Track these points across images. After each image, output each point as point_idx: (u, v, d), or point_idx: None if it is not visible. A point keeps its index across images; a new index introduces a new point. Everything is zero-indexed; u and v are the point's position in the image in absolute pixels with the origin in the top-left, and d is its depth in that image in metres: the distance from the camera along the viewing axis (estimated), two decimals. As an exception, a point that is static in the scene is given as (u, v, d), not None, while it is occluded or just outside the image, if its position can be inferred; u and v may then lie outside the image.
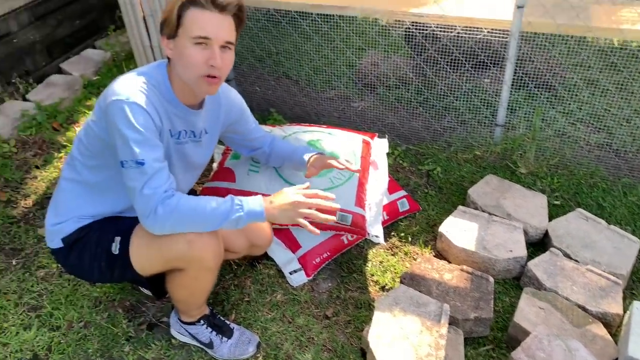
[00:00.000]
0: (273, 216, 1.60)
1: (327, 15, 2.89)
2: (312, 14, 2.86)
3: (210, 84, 1.58)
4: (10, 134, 2.97)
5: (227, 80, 3.23)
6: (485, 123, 2.98)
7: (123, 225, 1.69)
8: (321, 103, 3.26)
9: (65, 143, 2.96)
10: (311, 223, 1.63)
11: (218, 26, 1.52)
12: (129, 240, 1.65)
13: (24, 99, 3.28)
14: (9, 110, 3.12)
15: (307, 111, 3.24)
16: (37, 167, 2.80)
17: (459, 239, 2.22)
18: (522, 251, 2.16)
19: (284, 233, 2.24)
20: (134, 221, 1.64)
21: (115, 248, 1.66)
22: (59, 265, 1.81)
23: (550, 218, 2.37)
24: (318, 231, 1.64)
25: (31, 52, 3.41)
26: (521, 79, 2.91)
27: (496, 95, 2.94)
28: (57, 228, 1.71)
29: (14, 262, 2.30)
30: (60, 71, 3.59)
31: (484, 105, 3.03)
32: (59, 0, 3.57)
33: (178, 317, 1.92)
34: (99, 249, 1.67)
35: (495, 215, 2.35)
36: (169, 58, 1.62)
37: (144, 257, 1.65)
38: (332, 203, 1.64)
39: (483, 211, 2.39)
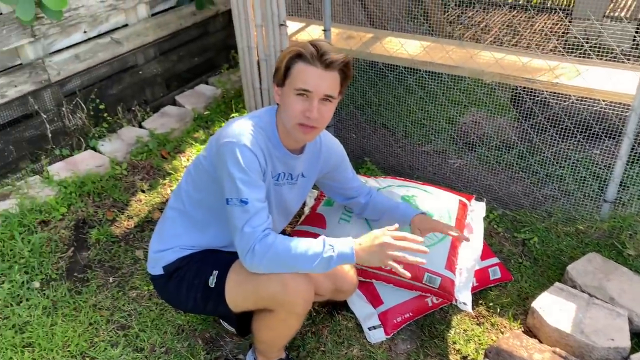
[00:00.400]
0: (362, 259, 1.59)
1: (435, 72, 2.90)
2: (420, 70, 2.87)
3: (305, 133, 1.66)
4: (123, 157, 3.20)
5: (327, 126, 3.32)
6: (591, 197, 2.81)
7: (222, 259, 1.76)
8: (417, 156, 3.23)
9: (170, 171, 3.14)
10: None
11: (320, 81, 1.60)
12: (225, 275, 1.71)
13: (140, 126, 3.55)
14: (125, 135, 3.37)
15: (401, 163, 3.23)
16: (142, 191, 2.98)
17: (554, 318, 2.08)
18: (625, 341, 1.98)
19: (366, 287, 2.21)
20: (233, 256, 1.69)
21: (212, 281, 1.72)
22: (156, 291, 1.90)
23: (660, 309, 2.16)
24: (408, 274, 1.58)
25: (152, 84, 3.70)
26: (638, 155, 2.72)
27: (607, 169, 2.77)
28: (159, 255, 1.80)
29: (110, 280, 2.43)
30: (174, 103, 3.85)
31: (592, 178, 2.87)
32: (183, 38, 3.86)
33: (254, 358, 1.93)
34: (197, 281, 1.74)
35: (597, 298, 2.19)
36: (278, 104, 1.71)
37: (238, 293, 1.70)
38: (420, 246, 1.58)
39: (582, 291, 2.23)
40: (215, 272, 1.72)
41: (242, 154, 1.58)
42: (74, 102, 3.17)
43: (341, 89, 1.68)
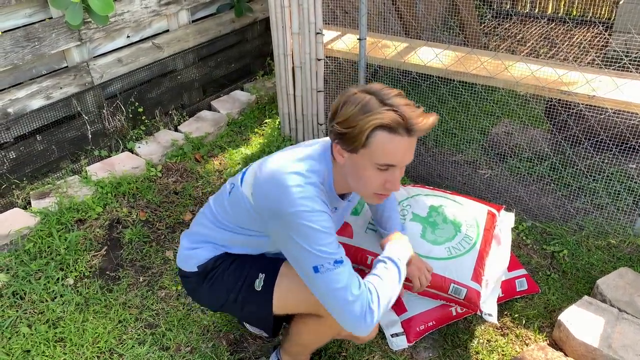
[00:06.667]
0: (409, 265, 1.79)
1: (468, 82, 2.89)
2: (453, 80, 2.87)
3: (381, 200, 1.57)
4: (159, 159, 3.30)
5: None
6: (625, 211, 2.75)
7: (266, 263, 1.72)
8: (447, 166, 3.23)
9: (203, 174, 3.22)
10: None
11: (405, 152, 1.45)
12: (273, 278, 1.67)
13: (176, 130, 3.65)
14: (161, 138, 3.47)
15: (430, 172, 3.22)
16: (175, 193, 3.06)
17: (581, 332, 2.04)
18: (654, 360, 1.93)
19: (391, 293, 2.22)
20: (275, 260, 1.69)
21: (259, 284, 1.67)
22: (184, 287, 1.83)
23: (694, 329, 2.10)
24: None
25: (189, 89, 3.80)
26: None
27: (642, 183, 2.71)
28: (192, 253, 1.74)
29: (141, 279, 2.51)
30: (210, 108, 3.95)
31: (626, 192, 2.81)
32: (221, 44, 3.96)
33: (278, 358, 1.96)
34: (240, 283, 1.69)
35: (627, 313, 2.14)
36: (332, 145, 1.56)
37: (289, 299, 1.67)
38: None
39: (612, 306, 2.19)
40: (262, 276, 1.68)
41: (319, 220, 1.45)
42: (114, 105, 3.29)
43: None
